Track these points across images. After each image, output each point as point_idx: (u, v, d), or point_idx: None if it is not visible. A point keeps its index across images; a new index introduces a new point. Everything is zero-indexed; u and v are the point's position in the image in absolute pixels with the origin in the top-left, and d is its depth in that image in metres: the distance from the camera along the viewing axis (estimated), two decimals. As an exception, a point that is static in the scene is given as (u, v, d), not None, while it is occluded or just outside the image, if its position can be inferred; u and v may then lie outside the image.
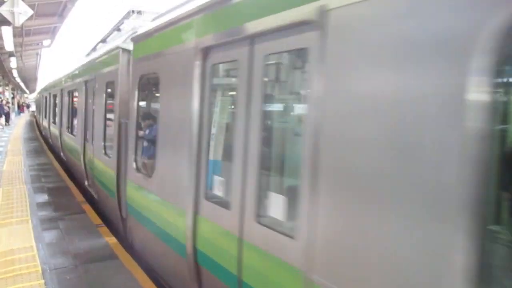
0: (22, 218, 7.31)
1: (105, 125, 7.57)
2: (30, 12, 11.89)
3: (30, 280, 4.81)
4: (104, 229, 6.87)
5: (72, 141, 11.30)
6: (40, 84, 46.66)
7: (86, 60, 10.87)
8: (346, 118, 2.27)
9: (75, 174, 11.39)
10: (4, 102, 36.85)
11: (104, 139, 7.60)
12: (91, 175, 8.69)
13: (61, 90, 14.65)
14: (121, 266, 5.31)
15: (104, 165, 7.44)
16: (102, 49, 9.21)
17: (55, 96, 16.89)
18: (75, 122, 11.48)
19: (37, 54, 31.87)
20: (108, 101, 7.47)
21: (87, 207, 8.32)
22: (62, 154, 13.93)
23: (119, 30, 9.11)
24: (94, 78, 8.61)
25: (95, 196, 8.47)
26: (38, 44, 26.03)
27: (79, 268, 5.21)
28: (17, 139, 21.99)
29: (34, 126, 34.27)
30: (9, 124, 34.33)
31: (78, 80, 10.89)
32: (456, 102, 1.74)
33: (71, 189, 10.03)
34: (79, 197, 9.24)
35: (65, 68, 16.56)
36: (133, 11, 8.35)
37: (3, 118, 32.02)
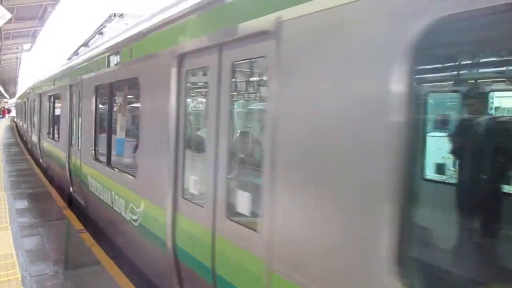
0: (1, 225, 7.16)
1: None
2: (9, 15, 11.68)
3: (9, 288, 4.72)
4: (86, 235, 6.78)
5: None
6: (21, 89, 45.80)
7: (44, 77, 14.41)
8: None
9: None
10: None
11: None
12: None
13: (27, 98, 19.30)
14: (102, 271, 5.25)
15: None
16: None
17: (25, 103, 22.25)
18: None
19: (17, 58, 31.32)
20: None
21: (68, 212, 8.20)
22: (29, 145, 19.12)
23: (101, 33, 9.05)
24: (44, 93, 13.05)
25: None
26: (18, 48, 25.59)
27: (60, 275, 5.14)
28: (-3, 145, 21.51)
29: (15, 131, 33.59)
30: (-12, 130, 33.53)
31: (36, 92, 15.22)
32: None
33: (52, 195, 9.87)
34: (61, 202, 9.10)
35: (38, 76, 18.26)
36: (114, 15, 8.32)
37: (-19, 124, 31.29)
